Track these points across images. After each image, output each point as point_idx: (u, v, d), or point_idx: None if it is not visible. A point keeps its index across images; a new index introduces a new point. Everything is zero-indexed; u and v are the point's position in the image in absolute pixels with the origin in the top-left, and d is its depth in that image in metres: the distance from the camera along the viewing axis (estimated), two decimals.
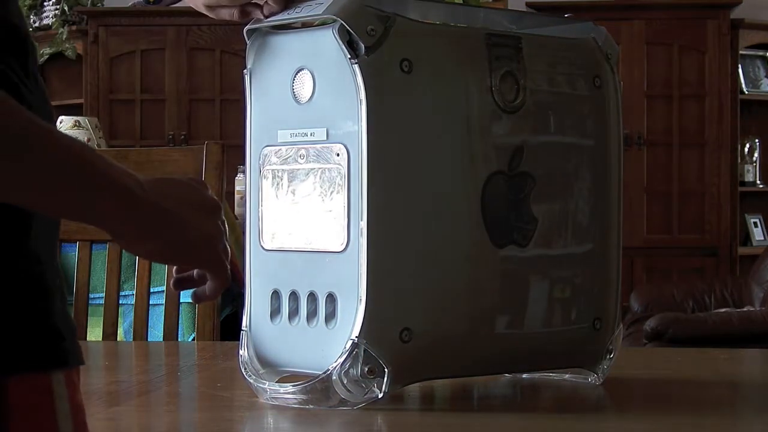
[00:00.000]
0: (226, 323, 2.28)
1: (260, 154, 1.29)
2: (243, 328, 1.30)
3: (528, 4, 6.13)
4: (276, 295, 1.27)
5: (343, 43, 1.20)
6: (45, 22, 6.43)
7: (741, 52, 6.37)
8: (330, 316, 1.22)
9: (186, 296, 2.28)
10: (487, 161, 1.27)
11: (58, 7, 6.38)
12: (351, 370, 1.19)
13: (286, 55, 1.27)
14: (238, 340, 1.30)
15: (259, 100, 1.30)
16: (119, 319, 2.11)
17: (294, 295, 1.25)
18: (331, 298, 1.22)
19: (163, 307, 2.06)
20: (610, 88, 1.38)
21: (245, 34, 1.29)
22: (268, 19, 1.27)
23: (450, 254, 1.25)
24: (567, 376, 1.40)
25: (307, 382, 1.21)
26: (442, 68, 1.25)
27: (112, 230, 0.90)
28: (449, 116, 1.25)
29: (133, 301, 2.07)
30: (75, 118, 4.79)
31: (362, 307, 1.19)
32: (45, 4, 6.48)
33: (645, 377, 1.51)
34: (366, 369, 1.19)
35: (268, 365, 1.28)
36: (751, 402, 1.40)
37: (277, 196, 1.27)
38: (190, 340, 2.57)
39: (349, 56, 1.19)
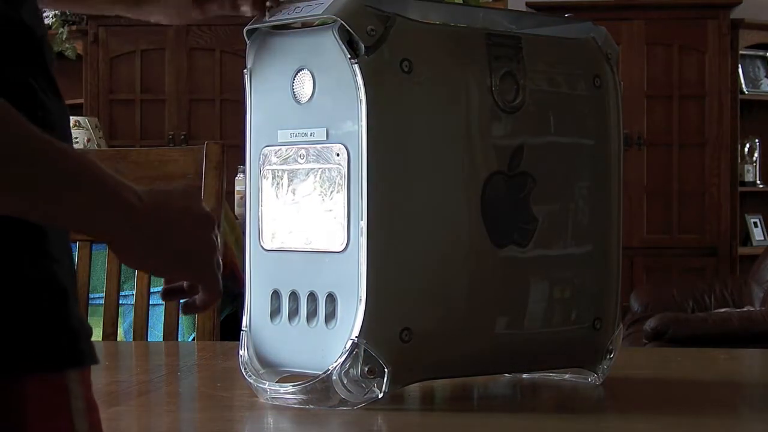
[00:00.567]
0: (226, 323, 2.28)
1: (260, 154, 1.29)
2: (243, 328, 1.30)
3: (528, 4, 6.13)
4: (276, 295, 1.27)
5: (343, 43, 1.20)
6: (45, 22, 6.43)
7: (741, 52, 6.37)
8: (330, 316, 1.22)
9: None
10: (487, 161, 1.27)
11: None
12: (351, 370, 1.19)
13: (286, 55, 1.27)
14: (238, 340, 1.30)
15: (259, 100, 1.30)
16: (119, 319, 2.11)
17: (294, 295, 1.25)
18: (331, 298, 1.22)
19: (163, 307, 2.06)
20: (610, 88, 1.38)
21: (245, 34, 1.29)
22: (268, 20, 1.27)
23: (450, 254, 1.25)
24: (567, 376, 1.40)
25: (307, 382, 1.21)
26: (442, 68, 1.25)
27: (110, 242, 0.90)
28: (449, 116, 1.25)
29: (133, 301, 2.07)
30: (75, 118, 4.80)
31: (362, 307, 1.19)
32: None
33: (645, 377, 1.51)
34: (366, 369, 1.19)
35: (268, 365, 1.28)
36: (751, 402, 1.40)
37: (277, 196, 1.27)
38: (190, 340, 2.57)
39: (349, 56, 1.19)
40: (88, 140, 4.66)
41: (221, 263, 1.01)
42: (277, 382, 1.26)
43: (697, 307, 5.25)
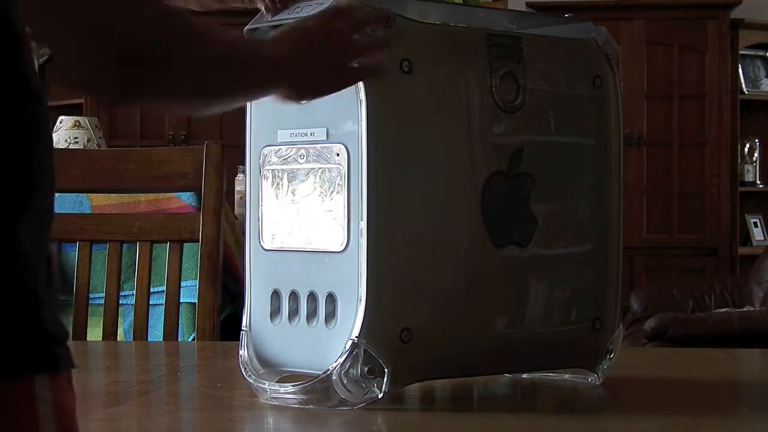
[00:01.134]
0: (226, 323, 2.28)
1: (260, 154, 1.29)
2: (243, 328, 1.30)
3: (528, 4, 6.13)
4: (276, 295, 1.27)
5: None
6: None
7: (741, 52, 6.37)
8: (330, 316, 1.22)
9: (186, 296, 2.29)
10: (487, 161, 1.27)
11: None
12: (351, 370, 1.19)
13: None
14: (238, 340, 1.30)
15: (259, 100, 1.29)
16: (119, 319, 2.11)
17: (294, 295, 1.25)
18: (331, 298, 1.22)
19: (163, 307, 2.06)
20: (610, 88, 1.38)
21: (245, 34, 1.29)
22: (268, 20, 1.27)
23: (450, 254, 1.25)
24: (567, 376, 1.40)
25: (307, 382, 1.21)
26: (442, 68, 1.25)
27: (281, 93, 1.12)
28: (449, 116, 1.25)
29: (133, 301, 2.07)
30: (75, 118, 4.79)
31: (362, 307, 1.19)
32: None
33: (645, 377, 1.51)
34: (366, 369, 1.19)
35: (268, 365, 1.28)
36: (751, 402, 1.40)
37: (277, 196, 1.27)
38: (190, 340, 2.57)
39: None
40: (88, 140, 4.66)
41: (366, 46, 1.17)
42: (277, 382, 1.26)
43: (697, 307, 5.25)
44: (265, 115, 1.29)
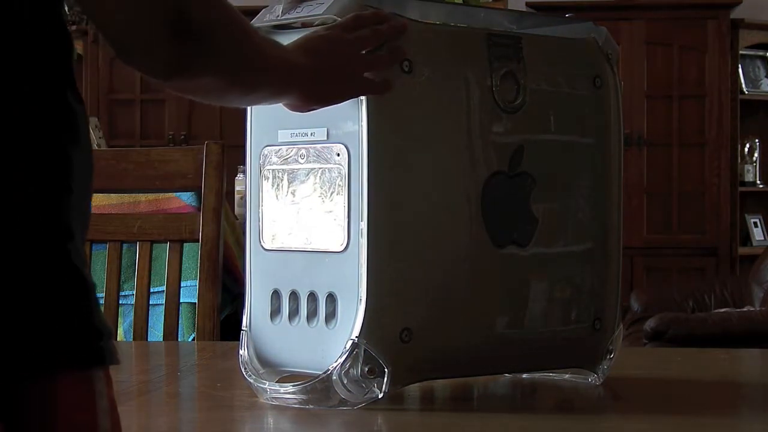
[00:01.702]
0: (226, 323, 2.28)
1: (260, 154, 1.29)
2: (243, 328, 1.30)
3: (528, 4, 6.13)
4: (276, 295, 1.27)
5: None
6: None
7: (741, 52, 6.37)
8: (330, 316, 1.22)
9: (186, 296, 2.29)
10: (487, 161, 1.27)
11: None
12: (351, 370, 1.19)
13: None
14: (238, 340, 1.30)
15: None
16: (119, 319, 2.11)
17: (294, 295, 1.25)
18: (331, 298, 1.22)
19: (163, 307, 2.06)
20: (610, 88, 1.38)
21: None
22: (269, 19, 1.27)
23: (450, 254, 1.25)
24: (567, 376, 1.40)
25: (307, 382, 1.21)
26: (442, 68, 1.25)
27: (298, 98, 1.17)
28: (449, 116, 1.25)
29: (133, 301, 2.07)
30: None
31: (362, 307, 1.19)
32: None
33: (645, 377, 1.51)
34: (366, 369, 1.19)
35: (268, 365, 1.28)
36: (751, 402, 1.40)
37: (277, 196, 1.27)
38: (190, 340, 2.57)
39: None
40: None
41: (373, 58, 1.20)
42: (277, 382, 1.26)
43: (697, 307, 5.25)
44: (265, 115, 1.29)
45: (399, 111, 1.21)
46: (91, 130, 4.65)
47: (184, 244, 2.08)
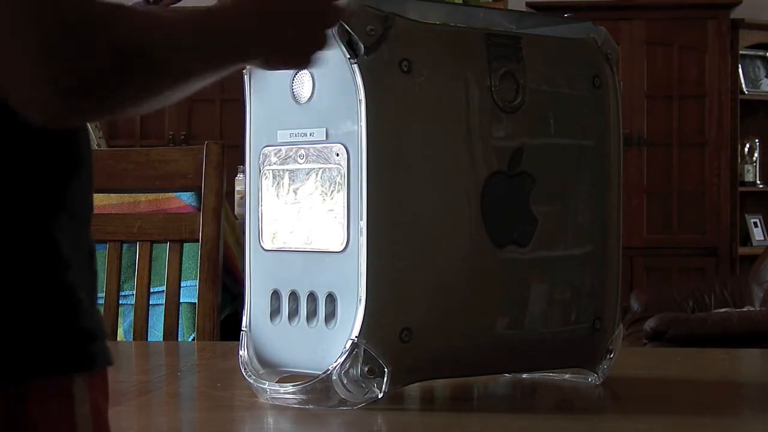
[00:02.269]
0: (226, 323, 2.28)
1: (260, 154, 1.29)
2: (243, 328, 1.30)
3: (528, 4, 6.13)
4: (276, 295, 1.27)
5: (342, 43, 1.20)
6: None
7: (741, 52, 6.37)
8: (330, 316, 1.22)
9: (186, 296, 2.29)
10: (487, 161, 1.27)
11: None
12: (351, 370, 1.19)
13: None
14: (238, 340, 1.30)
15: (258, 100, 1.30)
16: (119, 319, 2.11)
17: (294, 295, 1.25)
18: (330, 298, 1.22)
19: (163, 307, 2.06)
20: (610, 88, 1.38)
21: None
22: None
23: (450, 254, 1.25)
24: (567, 376, 1.40)
25: (307, 382, 1.21)
26: (442, 68, 1.25)
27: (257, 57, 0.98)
28: (449, 116, 1.25)
29: (133, 301, 2.07)
30: None
31: (362, 307, 1.19)
32: None
33: (645, 377, 1.51)
34: (366, 369, 1.19)
35: (268, 365, 1.28)
36: (751, 402, 1.40)
37: (277, 196, 1.27)
38: (190, 340, 2.57)
39: (348, 56, 1.19)
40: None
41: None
42: (277, 382, 1.26)
43: (697, 307, 5.25)
44: (265, 115, 1.29)
45: (398, 111, 1.21)
46: (90, 130, 4.63)
47: (184, 244, 2.08)
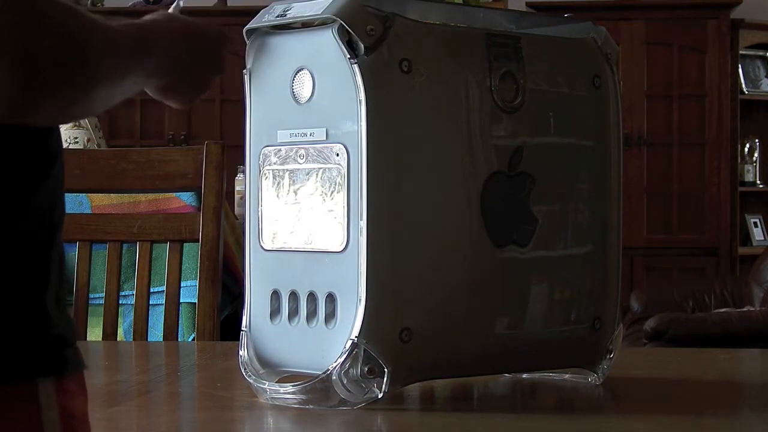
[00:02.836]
0: (226, 323, 2.28)
1: (260, 154, 1.29)
2: (243, 328, 1.30)
3: (528, 4, 6.13)
4: (276, 295, 1.27)
5: (342, 43, 1.20)
6: None
7: (741, 52, 6.37)
8: (330, 316, 1.22)
9: (186, 296, 2.29)
10: (487, 161, 1.27)
11: None
12: (351, 370, 1.19)
13: (285, 55, 1.27)
14: (238, 340, 1.30)
15: (258, 101, 1.30)
16: (119, 319, 2.11)
17: (294, 295, 1.25)
18: (330, 298, 1.22)
19: (163, 307, 2.06)
20: (610, 88, 1.38)
21: (245, 34, 1.29)
22: (268, 20, 1.27)
23: (450, 254, 1.25)
24: (567, 376, 1.40)
25: (307, 382, 1.21)
26: (442, 68, 1.25)
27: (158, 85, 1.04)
28: (449, 116, 1.25)
29: (133, 301, 2.07)
30: None
31: (362, 307, 1.19)
32: None
33: (645, 377, 1.51)
34: (366, 369, 1.19)
35: (268, 365, 1.28)
36: (751, 402, 1.40)
37: (277, 196, 1.27)
38: (190, 340, 2.57)
39: (348, 56, 1.19)
40: (88, 140, 4.66)
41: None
42: (277, 382, 1.26)
43: (697, 307, 5.25)
44: (265, 115, 1.29)
45: (398, 111, 1.21)
46: (90, 130, 4.62)
47: (184, 244, 2.08)
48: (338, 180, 1.21)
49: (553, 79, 1.34)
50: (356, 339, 1.18)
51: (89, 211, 2.70)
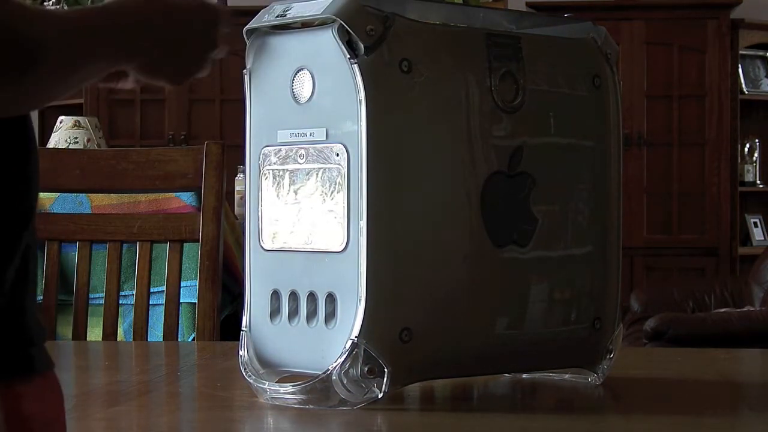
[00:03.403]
0: (226, 323, 2.28)
1: (260, 154, 1.29)
2: (243, 328, 1.30)
3: (528, 4, 6.13)
4: (276, 295, 1.27)
5: (342, 43, 1.20)
6: None
7: (741, 52, 6.37)
8: (330, 316, 1.22)
9: (186, 296, 2.29)
10: (487, 161, 1.27)
11: (58, 7, 6.39)
12: (351, 370, 1.19)
13: (285, 55, 1.27)
14: (238, 340, 1.30)
15: (258, 101, 1.30)
16: (119, 319, 2.11)
17: (294, 295, 1.25)
18: (330, 298, 1.22)
19: (163, 307, 2.06)
20: (610, 88, 1.38)
21: (245, 34, 1.29)
22: (268, 20, 1.27)
23: (450, 254, 1.25)
24: (567, 376, 1.40)
25: (307, 382, 1.21)
26: (442, 68, 1.25)
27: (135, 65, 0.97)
28: (449, 116, 1.25)
29: (133, 301, 2.07)
30: (75, 118, 4.79)
31: (362, 307, 1.19)
32: (45, 3, 6.48)
33: (645, 377, 1.51)
34: (366, 369, 1.19)
35: (268, 365, 1.28)
36: (751, 402, 1.40)
37: (277, 196, 1.27)
38: (190, 340, 2.57)
39: (348, 56, 1.19)
40: (88, 140, 4.66)
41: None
42: (277, 382, 1.26)
43: (697, 307, 5.25)
44: (265, 115, 1.29)
45: (398, 111, 1.21)
46: (90, 130, 4.62)
47: (184, 244, 2.08)
48: (338, 180, 1.21)
49: (553, 79, 1.34)
50: (356, 339, 1.18)
51: (89, 211, 2.70)
